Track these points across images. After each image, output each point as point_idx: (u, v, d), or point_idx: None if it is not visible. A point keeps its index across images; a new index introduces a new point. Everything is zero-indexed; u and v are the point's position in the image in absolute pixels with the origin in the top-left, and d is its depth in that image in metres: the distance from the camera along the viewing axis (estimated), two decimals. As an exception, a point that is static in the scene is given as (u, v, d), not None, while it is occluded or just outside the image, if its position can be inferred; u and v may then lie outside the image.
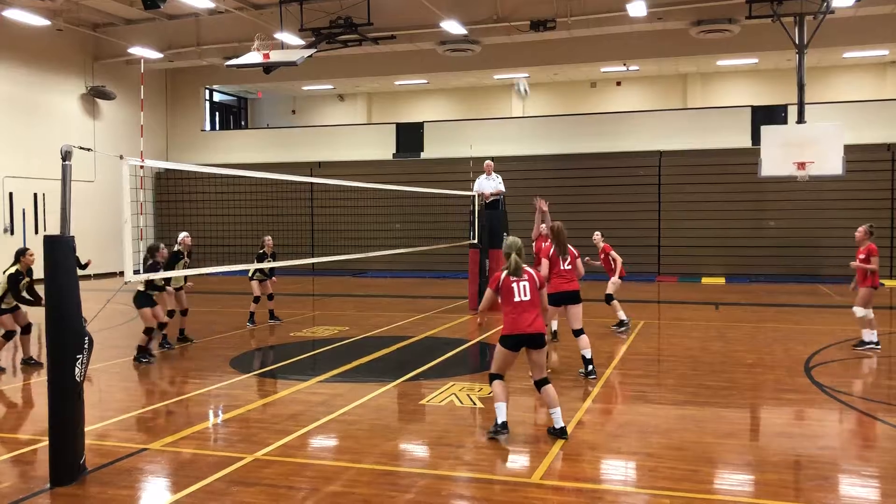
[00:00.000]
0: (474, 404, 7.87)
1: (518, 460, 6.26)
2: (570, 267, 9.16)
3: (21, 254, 9.98)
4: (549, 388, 6.71)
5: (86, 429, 5.91)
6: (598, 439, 6.72)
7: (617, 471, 6.06)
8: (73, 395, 5.67)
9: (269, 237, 13.82)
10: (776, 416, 7.76)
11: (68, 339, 5.66)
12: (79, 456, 5.70)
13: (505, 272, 6.68)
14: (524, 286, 6.60)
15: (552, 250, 9.16)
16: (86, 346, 5.74)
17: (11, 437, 7.06)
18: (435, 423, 7.29)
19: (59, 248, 5.70)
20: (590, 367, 9.11)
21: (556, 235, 9.13)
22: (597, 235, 13.15)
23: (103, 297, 14.41)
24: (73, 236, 5.75)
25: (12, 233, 22.40)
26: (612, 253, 12.93)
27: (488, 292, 6.79)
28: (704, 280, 22.36)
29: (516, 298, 6.57)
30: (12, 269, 9.88)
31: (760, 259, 23.03)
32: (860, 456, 6.27)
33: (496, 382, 6.72)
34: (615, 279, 12.87)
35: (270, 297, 14.11)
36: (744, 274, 22.87)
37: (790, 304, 16.85)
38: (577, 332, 9.23)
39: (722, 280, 22.30)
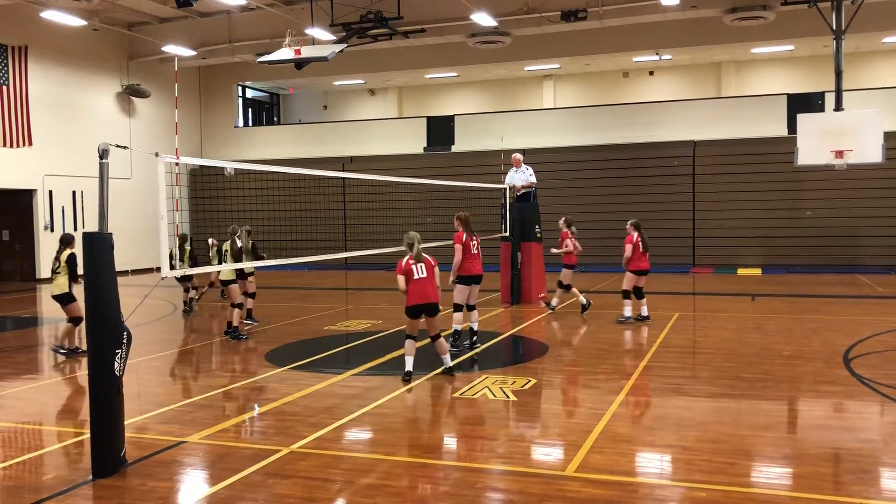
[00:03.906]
0: (507, 397, 7.87)
1: (552, 453, 6.25)
2: (476, 252, 10.49)
3: None
4: (441, 340, 8.79)
5: (126, 422, 6.03)
6: (633, 432, 6.69)
7: (652, 463, 6.02)
8: (112, 388, 5.78)
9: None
10: (814, 408, 7.64)
11: (108, 334, 5.76)
12: (119, 449, 5.81)
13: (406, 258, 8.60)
14: (421, 267, 8.57)
15: (465, 236, 10.37)
16: (125, 340, 5.84)
17: (55, 429, 7.23)
18: (468, 416, 7.31)
19: (98, 245, 5.80)
20: (475, 339, 10.55)
21: (466, 223, 10.47)
22: (561, 221, 13.68)
23: (142, 293, 14.68)
24: (111, 233, 5.84)
25: (52, 230, 22.86)
26: (567, 241, 13.39)
27: (399, 277, 8.60)
28: (740, 271, 22.07)
29: (416, 276, 8.51)
30: None
31: (797, 249, 22.67)
32: (902, 449, 6.14)
33: (408, 340, 8.68)
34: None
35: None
36: (780, 265, 22.54)
37: (828, 294, 16.56)
38: (472, 307, 10.64)
39: (758, 271, 21.99)
